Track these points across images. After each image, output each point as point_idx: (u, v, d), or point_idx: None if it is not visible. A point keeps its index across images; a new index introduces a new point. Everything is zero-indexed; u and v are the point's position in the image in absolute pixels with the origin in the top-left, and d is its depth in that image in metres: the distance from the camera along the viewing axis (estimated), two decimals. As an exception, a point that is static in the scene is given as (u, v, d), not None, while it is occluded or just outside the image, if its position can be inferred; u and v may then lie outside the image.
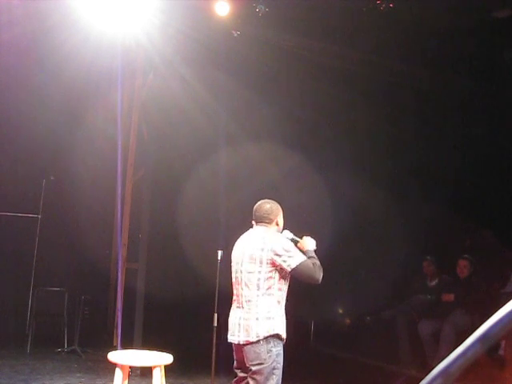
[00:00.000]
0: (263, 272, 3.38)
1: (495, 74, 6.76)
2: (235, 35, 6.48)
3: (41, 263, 7.91)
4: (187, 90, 6.99)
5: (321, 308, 8.22)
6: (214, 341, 4.44)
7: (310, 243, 3.60)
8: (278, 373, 3.33)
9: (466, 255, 6.58)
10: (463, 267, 6.46)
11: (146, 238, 6.83)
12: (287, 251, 3.38)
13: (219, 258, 4.52)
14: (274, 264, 3.37)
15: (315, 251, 3.58)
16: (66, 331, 7.12)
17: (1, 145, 7.54)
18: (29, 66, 7.12)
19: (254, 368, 3.32)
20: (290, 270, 3.36)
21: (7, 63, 6.64)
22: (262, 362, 3.29)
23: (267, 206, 3.62)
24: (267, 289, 3.37)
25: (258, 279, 3.38)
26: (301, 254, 3.44)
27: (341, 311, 8.73)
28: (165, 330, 7.10)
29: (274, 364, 3.31)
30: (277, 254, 3.37)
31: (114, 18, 5.87)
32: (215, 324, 4.51)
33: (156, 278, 7.08)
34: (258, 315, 3.34)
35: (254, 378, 3.32)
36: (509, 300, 0.86)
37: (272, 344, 3.31)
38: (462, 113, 7.32)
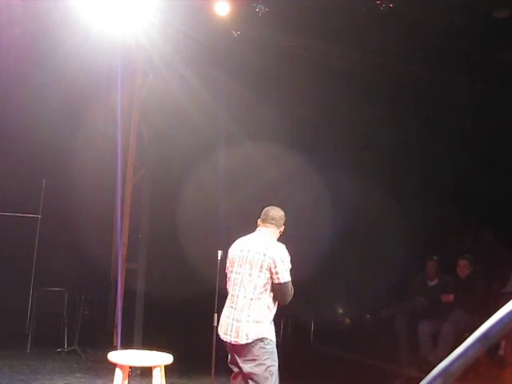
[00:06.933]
0: (262, 277, 3.44)
1: (495, 74, 6.76)
2: (235, 35, 6.47)
3: (41, 263, 7.91)
4: (187, 90, 6.99)
5: (321, 308, 8.22)
6: (214, 341, 4.43)
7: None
8: (274, 369, 3.37)
9: (466, 255, 6.59)
10: (463, 267, 6.48)
11: (145, 238, 6.83)
12: (283, 265, 3.44)
13: (219, 257, 4.52)
14: (271, 271, 3.43)
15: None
16: (66, 331, 7.12)
17: (1, 145, 7.54)
18: (29, 66, 7.11)
19: (249, 368, 3.35)
20: (277, 282, 3.42)
21: (7, 63, 6.64)
22: (255, 358, 3.34)
23: (280, 212, 3.71)
24: (261, 293, 3.43)
25: (256, 283, 3.44)
26: (288, 272, 3.50)
27: (341, 311, 8.73)
28: (165, 329, 7.09)
29: (269, 361, 3.35)
30: (275, 264, 3.43)
31: (113, 18, 5.86)
32: (215, 324, 4.50)
33: (156, 277, 7.07)
34: (248, 318, 3.39)
35: (252, 379, 3.34)
36: (509, 300, 0.86)
37: (265, 342, 3.36)
38: (461, 112, 7.32)
